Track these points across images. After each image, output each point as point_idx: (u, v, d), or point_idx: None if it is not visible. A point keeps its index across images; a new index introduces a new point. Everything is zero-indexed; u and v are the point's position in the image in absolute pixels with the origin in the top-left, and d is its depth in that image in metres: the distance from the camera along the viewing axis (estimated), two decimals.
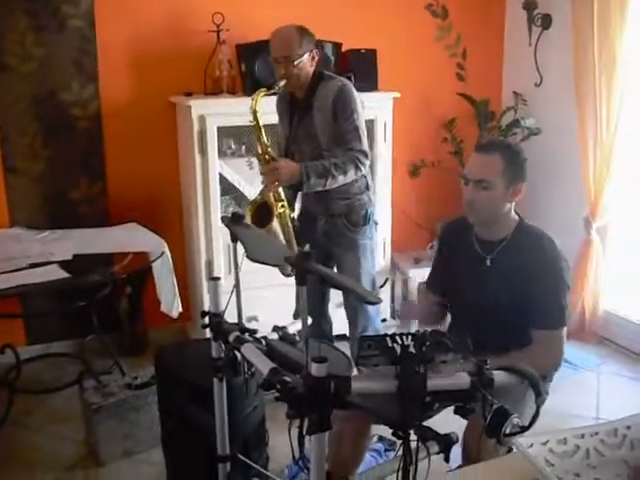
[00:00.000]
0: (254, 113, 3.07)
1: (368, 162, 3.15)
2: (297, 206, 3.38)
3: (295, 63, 3.05)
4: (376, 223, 3.41)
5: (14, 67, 3.85)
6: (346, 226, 3.28)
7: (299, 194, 3.33)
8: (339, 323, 3.63)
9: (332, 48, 4.08)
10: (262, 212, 3.14)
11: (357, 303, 3.35)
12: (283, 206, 3.19)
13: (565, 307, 2.38)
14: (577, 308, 4.24)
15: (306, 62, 3.10)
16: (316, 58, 3.16)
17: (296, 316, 3.42)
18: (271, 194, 3.15)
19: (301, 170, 3.03)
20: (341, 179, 3.08)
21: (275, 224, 3.16)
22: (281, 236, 3.20)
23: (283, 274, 3.14)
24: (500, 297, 2.39)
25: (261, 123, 3.10)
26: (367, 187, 3.31)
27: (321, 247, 3.28)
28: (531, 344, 2.36)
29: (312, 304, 3.35)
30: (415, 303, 2.76)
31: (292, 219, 3.25)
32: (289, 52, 3.05)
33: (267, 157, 3.11)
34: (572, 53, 4.17)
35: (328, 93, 3.10)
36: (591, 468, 1.39)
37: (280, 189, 3.16)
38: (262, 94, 3.08)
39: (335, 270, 3.37)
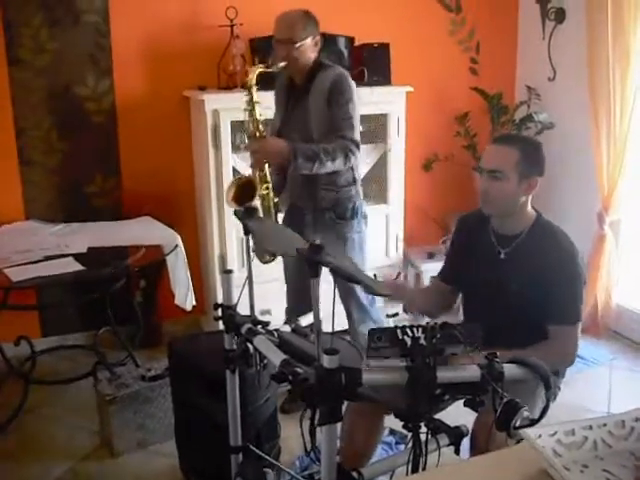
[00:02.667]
0: (249, 88, 3.09)
1: (358, 153, 3.11)
2: (285, 202, 3.37)
3: (296, 46, 3.05)
4: (365, 217, 3.36)
5: (29, 61, 3.88)
6: (333, 220, 3.25)
7: (285, 188, 3.33)
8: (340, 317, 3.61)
9: (345, 42, 4.09)
10: (245, 190, 3.14)
11: (346, 295, 3.33)
12: (267, 188, 3.18)
13: (581, 303, 2.39)
14: (590, 302, 4.24)
15: (307, 47, 3.09)
16: (318, 45, 3.16)
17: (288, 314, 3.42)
18: (257, 174, 3.15)
19: (289, 150, 3.00)
20: (329, 165, 3.03)
21: (256, 204, 3.13)
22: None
23: (261, 261, 3.15)
24: (514, 292, 2.39)
25: (255, 99, 3.10)
26: (354, 180, 3.27)
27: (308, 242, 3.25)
28: (546, 339, 2.36)
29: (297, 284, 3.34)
30: (405, 283, 2.74)
31: (275, 204, 3.24)
32: (291, 34, 3.05)
33: (257, 134, 3.11)
34: (586, 47, 4.15)
35: (325, 80, 3.09)
36: (599, 459, 1.39)
37: (268, 173, 3.16)
38: (259, 69, 3.10)
39: None
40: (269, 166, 3.18)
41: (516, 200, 2.41)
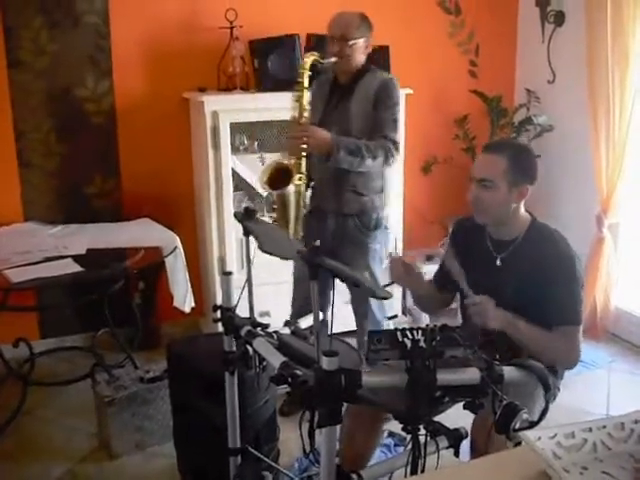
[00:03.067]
0: (302, 73, 3.10)
1: (398, 156, 3.13)
2: (309, 203, 3.35)
3: (350, 44, 3.10)
4: (387, 229, 3.37)
5: (28, 63, 3.87)
6: (358, 228, 3.25)
7: (309, 187, 3.32)
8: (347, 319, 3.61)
9: None
10: (281, 175, 3.13)
11: (360, 308, 3.34)
12: (300, 179, 3.17)
13: (581, 304, 2.39)
14: (588, 305, 4.23)
15: (359, 47, 3.15)
16: (369, 48, 3.21)
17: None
18: (292, 162, 3.13)
19: (332, 141, 3.01)
20: (369, 163, 3.04)
21: (290, 191, 3.13)
22: (291, 208, 3.18)
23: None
24: (512, 296, 2.38)
25: (306, 84, 3.11)
26: (382, 189, 3.29)
27: (328, 249, 3.19)
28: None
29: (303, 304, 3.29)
30: (414, 266, 2.71)
31: (305, 198, 3.24)
32: (346, 31, 3.11)
33: (301, 122, 3.11)
34: (585, 50, 4.16)
35: (373, 82, 3.13)
36: (598, 461, 1.40)
37: (303, 164, 3.14)
38: (313, 57, 3.11)
39: None
40: (306, 156, 3.15)
41: (508, 208, 2.40)
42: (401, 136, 3.17)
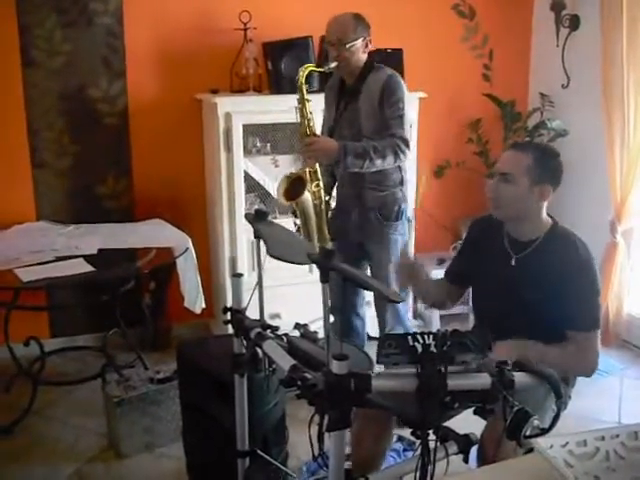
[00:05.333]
0: (300, 86, 3.12)
1: (408, 151, 3.12)
2: (333, 203, 3.41)
3: (347, 46, 3.10)
4: (409, 220, 3.40)
5: (42, 63, 3.89)
6: (379, 220, 3.27)
7: (336, 185, 3.38)
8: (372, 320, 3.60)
9: None
10: (296, 186, 3.19)
11: (382, 302, 3.34)
12: (318, 185, 3.22)
13: (598, 311, 2.38)
14: (601, 311, 4.20)
15: (358, 47, 3.14)
16: (369, 46, 3.21)
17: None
18: (307, 171, 3.19)
19: (339, 148, 3.04)
20: (379, 163, 3.06)
21: (306, 199, 3.19)
22: (312, 214, 3.23)
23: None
24: (524, 297, 2.37)
25: (305, 97, 3.14)
26: (402, 182, 3.30)
27: (354, 242, 3.32)
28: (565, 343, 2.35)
29: (341, 299, 3.37)
30: (422, 267, 2.72)
31: (327, 202, 3.28)
32: (342, 35, 3.11)
33: (308, 132, 3.15)
34: (600, 55, 4.14)
35: (377, 80, 3.14)
36: (611, 470, 1.38)
37: (319, 171, 3.21)
38: (309, 69, 3.15)
39: (368, 265, 3.40)
40: (320, 165, 3.22)
41: (527, 205, 2.39)
42: (409, 131, 3.16)
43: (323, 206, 3.27)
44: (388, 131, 3.10)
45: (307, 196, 3.21)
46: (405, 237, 3.37)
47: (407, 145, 3.11)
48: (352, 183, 3.26)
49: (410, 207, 3.41)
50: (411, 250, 4.33)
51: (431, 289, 2.78)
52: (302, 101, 3.15)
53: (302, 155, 3.21)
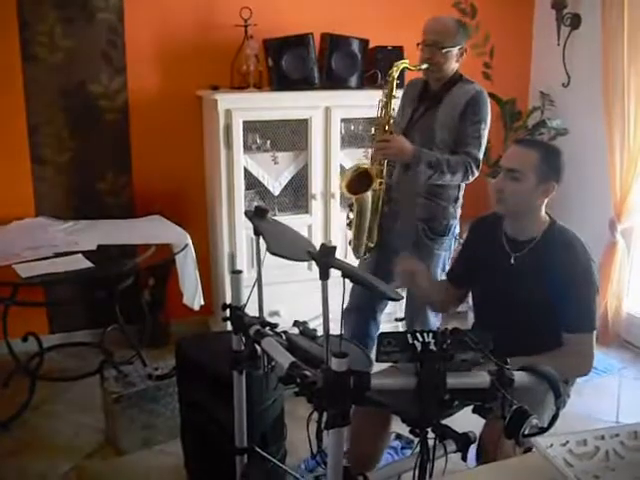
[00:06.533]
0: (391, 81, 3.07)
1: (477, 173, 3.08)
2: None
3: (444, 51, 3.04)
4: (456, 237, 3.30)
5: (42, 58, 3.88)
6: (425, 232, 3.18)
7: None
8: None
9: (359, 44, 4.07)
10: (360, 180, 3.11)
11: (416, 307, 3.27)
12: (381, 183, 3.14)
13: (595, 311, 2.38)
14: (600, 311, 4.21)
15: (453, 55, 3.08)
16: (464, 56, 3.14)
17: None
18: (374, 167, 3.12)
19: (414, 152, 2.99)
20: (448, 178, 3.02)
21: (367, 197, 3.12)
22: (368, 213, 3.16)
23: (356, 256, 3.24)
24: (523, 296, 2.37)
25: (394, 92, 3.08)
26: (456, 200, 3.22)
27: (392, 249, 3.19)
28: (561, 346, 2.34)
29: (362, 299, 3.33)
30: (423, 269, 2.71)
31: (384, 201, 3.20)
32: (441, 38, 3.05)
33: (386, 128, 3.09)
34: (601, 53, 4.13)
35: (464, 93, 3.06)
36: (610, 470, 1.38)
37: (384, 170, 3.13)
38: (404, 65, 3.08)
39: None
40: (387, 163, 3.14)
41: (531, 202, 2.39)
42: (482, 152, 3.10)
43: (380, 204, 3.17)
44: (463, 148, 3.04)
45: (368, 193, 3.12)
46: (448, 253, 3.28)
47: (478, 167, 3.07)
48: (407, 188, 3.17)
49: (458, 225, 3.30)
50: None
51: (434, 291, 2.76)
52: (389, 96, 3.07)
53: (375, 148, 3.10)
